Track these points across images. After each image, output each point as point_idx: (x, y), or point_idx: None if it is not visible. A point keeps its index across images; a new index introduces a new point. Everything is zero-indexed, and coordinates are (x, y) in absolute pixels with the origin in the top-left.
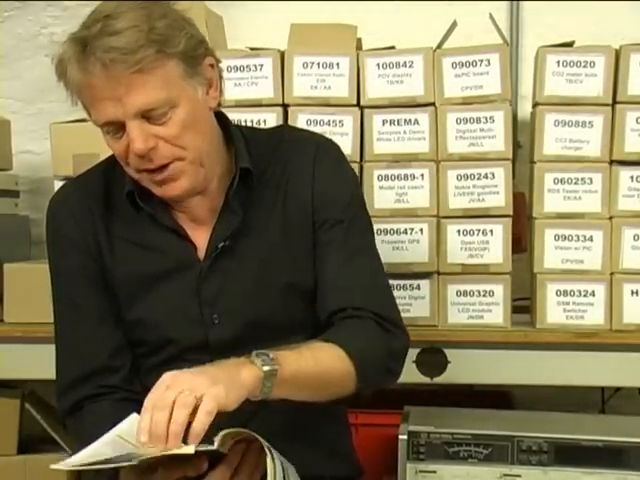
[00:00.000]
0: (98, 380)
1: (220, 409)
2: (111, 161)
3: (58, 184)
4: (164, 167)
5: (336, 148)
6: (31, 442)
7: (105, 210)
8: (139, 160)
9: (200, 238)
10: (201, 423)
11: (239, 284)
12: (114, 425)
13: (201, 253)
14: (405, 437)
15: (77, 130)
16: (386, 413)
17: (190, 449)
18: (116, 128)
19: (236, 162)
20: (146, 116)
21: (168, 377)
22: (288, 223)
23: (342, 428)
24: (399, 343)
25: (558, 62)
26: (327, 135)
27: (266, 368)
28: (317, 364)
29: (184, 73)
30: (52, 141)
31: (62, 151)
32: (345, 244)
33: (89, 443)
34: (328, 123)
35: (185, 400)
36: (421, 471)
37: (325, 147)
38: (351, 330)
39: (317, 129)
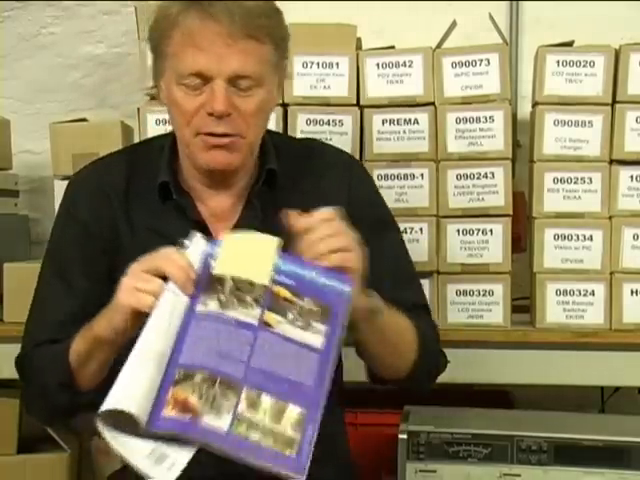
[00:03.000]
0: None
1: (351, 273)
2: (133, 151)
3: (58, 184)
4: (226, 136)
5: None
6: (31, 442)
7: (125, 197)
8: (208, 120)
9: (219, 236)
10: (340, 259)
11: None
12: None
13: None
14: (405, 437)
15: (76, 130)
16: (386, 413)
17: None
18: (199, 83)
19: (262, 164)
20: (234, 83)
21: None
22: None
23: (339, 429)
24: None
25: (558, 62)
26: (327, 135)
27: (374, 302)
28: (400, 323)
29: (274, 61)
30: (52, 141)
31: (61, 151)
32: (382, 242)
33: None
34: (328, 123)
35: (339, 230)
36: (421, 471)
37: (359, 165)
38: (419, 321)
39: (317, 129)
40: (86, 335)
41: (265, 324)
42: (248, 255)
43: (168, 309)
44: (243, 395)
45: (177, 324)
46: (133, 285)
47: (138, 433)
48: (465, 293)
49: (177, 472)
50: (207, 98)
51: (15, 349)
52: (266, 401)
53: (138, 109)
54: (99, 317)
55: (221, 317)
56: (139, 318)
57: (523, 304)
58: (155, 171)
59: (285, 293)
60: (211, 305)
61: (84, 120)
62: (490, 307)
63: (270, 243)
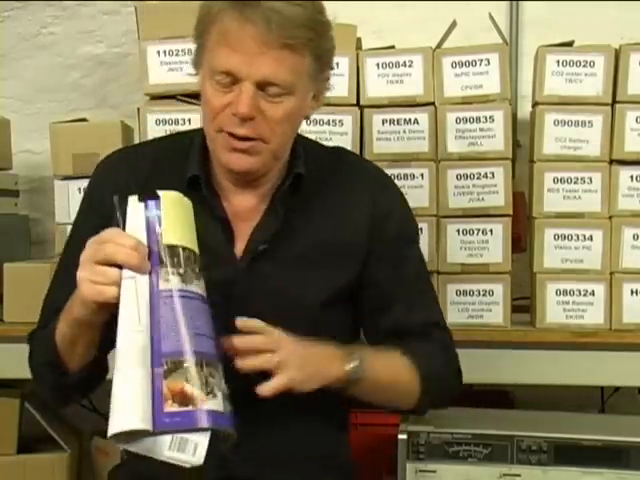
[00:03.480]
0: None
1: (288, 389)
2: (160, 143)
3: (58, 184)
4: (247, 140)
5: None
6: (31, 442)
7: (147, 185)
8: (232, 120)
9: (240, 234)
10: (268, 387)
11: (273, 287)
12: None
13: (238, 251)
14: (405, 437)
15: (76, 130)
16: (386, 413)
17: None
18: (229, 81)
19: (290, 167)
20: (262, 88)
21: (276, 335)
22: (333, 237)
23: (342, 437)
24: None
25: (558, 62)
26: (327, 135)
27: (352, 372)
28: (392, 373)
29: (312, 73)
30: (52, 141)
31: (62, 151)
32: (403, 264)
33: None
34: (328, 123)
35: (269, 361)
36: (421, 471)
37: (387, 180)
38: (420, 349)
39: (317, 129)
40: (67, 318)
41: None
42: (184, 220)
43: (133, 298)
44: (221, 372)
45: (146, 309)
46: (90, 279)
47: (150, 434)
48: (465, 293)
49: (203, 453)
50: (234, 98)
51: (15, 349)
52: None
53: (138, 109)
54: (75, 299)
55: (186, 293)
56: (106, 306)
57: (523, 304)
58: (183, 164)
59: None
60: (173, 281)
61: (84, 120)
62: (490, 307)
63: (189, 206)
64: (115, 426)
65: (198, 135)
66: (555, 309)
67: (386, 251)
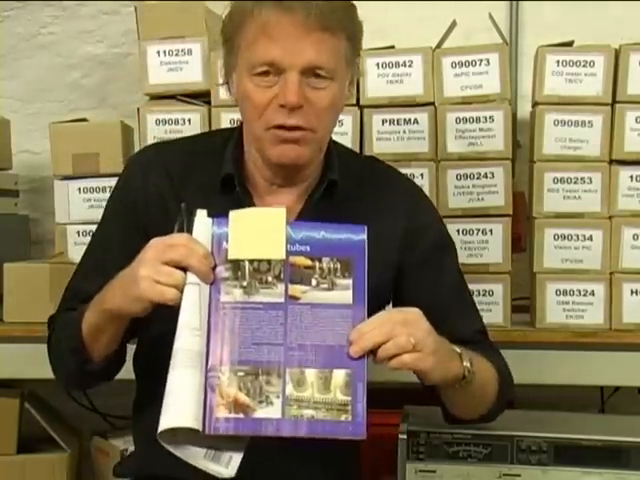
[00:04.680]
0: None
1: (415, 372)
2: (194, 140)
3: (58, 184)
4: (297, 129)
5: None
6: (31, 442)
7: (180, 181)
8: (280, 112)
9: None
10: (399, 363)
11: None
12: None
13: None
14: (405, 437)
15: (76, 130)
16: (386, 413)
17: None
18: (272, 73)
19: (324, 172)
20: (307, 75)
21: (417, 314)
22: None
23: (354, 452)
24: None
25: (558, 62)
26: None
27: (467, 373)
28: (486, 375)
29: (348, 57)
30: (51, 141)
31: (61, 151)
32: (442, 271)
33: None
34: None
35: (404, 344)
36: (421, 471)
37: (421, 194)
38: (485, 354)
39: None
40: (99, 309)
41: (292, 298)
42: (259, 232)
43: (196, 303)
44: (287, 377)
45: (206, 318)
46: (153, 278)
47: (193, 438)
48: None
49: (236, 465)
50: (279, 90)
51: (15, 349)
52: (311, 375)
53: (138, 109)
54: (112, 291)
55: (248, 304)
56: (160, 306)
57: (523, 304)
58: (217, 162)
59: (303, 261)
60: (235, 293)
61: (84, 120)
62: (490, 307)
63: (278, 215)
64: (169, 422)
65: (232, 134)
66: (555, 309)
67: (422, 265)
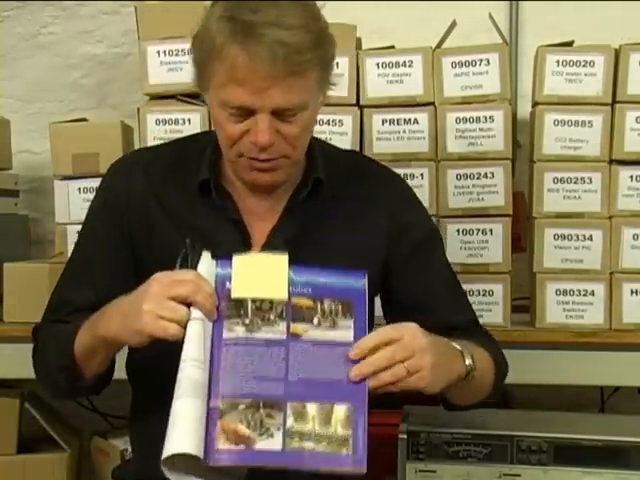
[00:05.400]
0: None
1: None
2: (179, 145)
3: (58, 184)
4: (269, 160)
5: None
6: (31, 442)
7: (163, 187)
8: (252, 147)
9: (257, 235)
10: (395, 388)
11: None
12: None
13: (255, 252)
14: (405, 437)
15: (76, 130)
16: (386, 413)
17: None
18: (243, 113)
19: (307, 170)
20: (277, 113)
21: (408, 331)
22: (351, 241)
23: None
24: None
25: (558, 62)
26: (327, 135)
27: (470, 370)
28: (485, 365)
29: (320, 79)
30: (51, 141)
31: (61, 151)
32: (431, 262)
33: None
34: (328, 122)
35: (399, 373)
36: (421, 471)
37: (403, 184)
38: (478, 341)
39: (317, 129)
40: (93, 332)
41: (293, 335)
42: (261, 274)
43: (200, 338)
44: (289, 411)
45: (209, 352)
46: (157, 313)
47: (193, 467)
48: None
49: None
50: (251, 126)
51: (15, 349)
52: (312, 409)
53: (138, 109)
54: (110, 319)
55: (250, 341)
56: (156, 340)
57: (523, 304)
58: (196, 167)
59: (305, 302)
60: (238, 330)
61: (84, 120)
62: (490, 307)
63: (280, 260)
64: (171, 449)
65: (208, 139)
66: (555, 309)
67: (409, 256)
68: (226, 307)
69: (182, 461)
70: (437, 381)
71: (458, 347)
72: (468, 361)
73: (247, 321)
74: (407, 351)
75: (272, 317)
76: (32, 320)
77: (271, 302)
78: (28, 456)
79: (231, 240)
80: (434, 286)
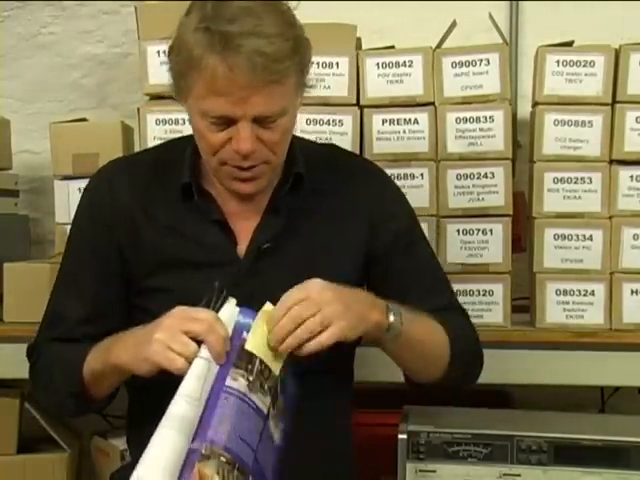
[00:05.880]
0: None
1: (339, 340)
2: (161, 149)
3: (58, 184)
4: (252, 167)
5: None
6: (31, 442)
7: (146, 193)
8: (235, 155)
9: (241, 234)
10: (317, 344)
11: (276, 286)
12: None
13: (240, 251)
14: (405, 437)
15: (76, 130)
16: (386, 413)
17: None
18: (224, 122)
19: (288, 167)
20: (258, 120)
21: (313, 288)
22: (334, 234)
23: (344, 421)
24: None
25: (558, 62)
26: (327, 135)
27: (393, 320)
28: (426, 330)
29: (298, 84)
30: (51, 141)
31: (61, 151)
32: (413, 250)
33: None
34: (328, 122)
35: (312, 327)
36: (421, 470)
37: (382, 174)
38: (443, 316)
39: (317, 128)
40: (103, 358)
41: (268, 415)
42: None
43: (201, 377)
44: None
45: (207, 393)
46: (167, 344)
47: None
48: (465, 293)
49: None
50: (232, 134)
51: (15, 349)
52: None
53: (138, 109)
54: (122, 346)
55: (246, 398)
56: (161, 372)
57: (523, 304)
58: (178, 171)
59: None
60: (240, 382)
61: (84, 120)
62: (490, 307)
63: None
64: (143, 472)
65: (188, 143)
66: (555, 309)
67: (390, 245)
68: (237, 355)
69: None
70: (353, 327)
71: (385, 303)
72: (392, 317)
73: (251, 378)
74: (315, 306)
75: (265, 387)
76: (32, 320)
77: (270, 371)
78: (28, 456)
79: (217, 241)
80: (413, 272)
